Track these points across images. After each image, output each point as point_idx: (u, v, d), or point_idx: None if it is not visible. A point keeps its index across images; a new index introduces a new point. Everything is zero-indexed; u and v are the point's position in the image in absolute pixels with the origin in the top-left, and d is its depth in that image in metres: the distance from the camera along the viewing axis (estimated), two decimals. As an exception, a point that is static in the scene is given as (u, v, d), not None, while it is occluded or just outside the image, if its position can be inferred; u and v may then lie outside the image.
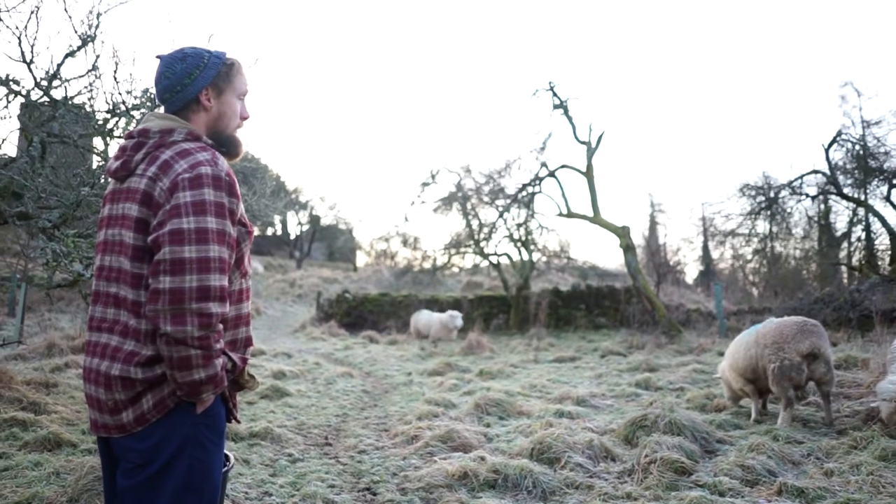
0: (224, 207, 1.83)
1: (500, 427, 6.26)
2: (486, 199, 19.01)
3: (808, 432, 5.71)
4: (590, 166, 16.67)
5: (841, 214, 19.63)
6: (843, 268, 18.59)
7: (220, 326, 1.83)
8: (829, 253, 19.19)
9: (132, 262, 1.84)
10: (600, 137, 16.83)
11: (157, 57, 2.07)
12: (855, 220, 18.49)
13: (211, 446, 1.93)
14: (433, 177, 20.32)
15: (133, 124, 6.93)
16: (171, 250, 1.73)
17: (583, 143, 16.96)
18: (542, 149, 17.51)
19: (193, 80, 1.99)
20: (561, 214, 17.10)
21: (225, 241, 1.82)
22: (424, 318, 14.71)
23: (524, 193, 17.62)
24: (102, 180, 6.23)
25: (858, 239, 18.86)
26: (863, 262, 16.81)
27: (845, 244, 19.24)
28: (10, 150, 12.01)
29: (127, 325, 1.85)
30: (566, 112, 17.17)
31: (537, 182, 17.44)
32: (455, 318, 13.55)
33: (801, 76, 69.75)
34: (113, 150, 7.69)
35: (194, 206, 1.77)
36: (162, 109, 2.07)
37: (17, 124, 7.61)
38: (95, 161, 7.46)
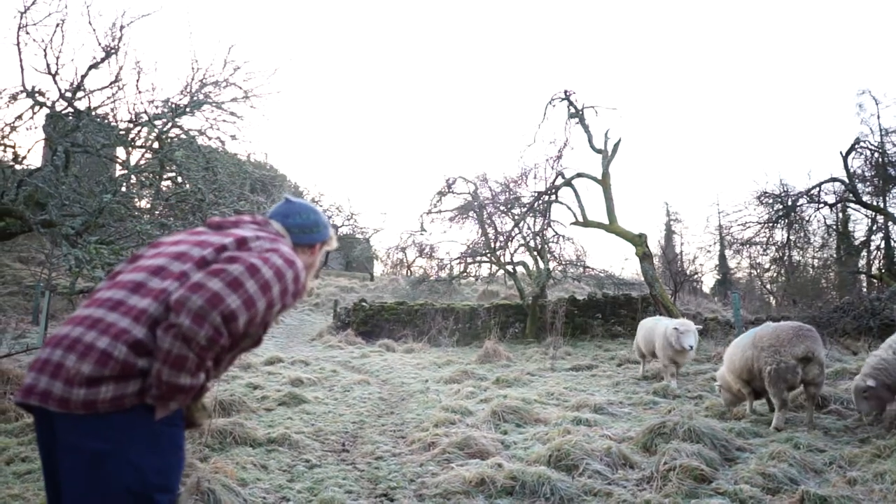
0: (287, 294, 2.05)
1: (518, 434, 6.24)
2: (501, 208, 19.00)
3: (829, 440, 5.65)
4: (605, 174, 16.63)
5: (860, 222, 19.44)
6: (863, 276, 18.37)
7: (217, 352, 1.87)
8: (848, 261, 18.98)
9: (194, 266, 1.96)
10: (616, 145, 16.80)
11: (287, 199, 2.41)
12: (874, 228, 18.30)
13: (172, 457, 1.92)
14: (449, 186, 20.34)
15: (154, 133, 7.04)
16: (241, 272, 1.89)
17: (598, 151, 16.93)
18: (559, 157, 17.51)
19: (318, 231, 2.37)
20: (577, 223, 17.05)
21: (269, 311, 1.99)
22: (647, 328, 10.10)
23: (540, 202, 17.60)
24: (124, 188, 6.34)
25: (878, 247, 18.66)
26: (882, 270, 16.61)
27: (864, 252, 19.03)
28: (36, 160, 12.21)
29: (133, 307, 1.88)
30: (582, 121, 17.16)
31: (553, 191, 17.42)
32: (684, 334, 8.63)
33: (819, 84, 69.23)
34: (134, 159, 7.83)
35: (277, 271, 2.00)
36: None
37: (43, 135, 7.76)
38: (118, 170, 7.60)
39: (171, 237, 2.18)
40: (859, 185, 15.81)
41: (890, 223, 16.50)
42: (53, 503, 1.95)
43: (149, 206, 8.11)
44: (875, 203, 16.10)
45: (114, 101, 7.54)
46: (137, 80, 7.13)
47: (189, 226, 6.21)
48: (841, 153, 15.41)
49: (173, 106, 7.24)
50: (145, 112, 7.09)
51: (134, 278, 1.98)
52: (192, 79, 7.72)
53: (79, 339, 1.83)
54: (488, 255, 19.63)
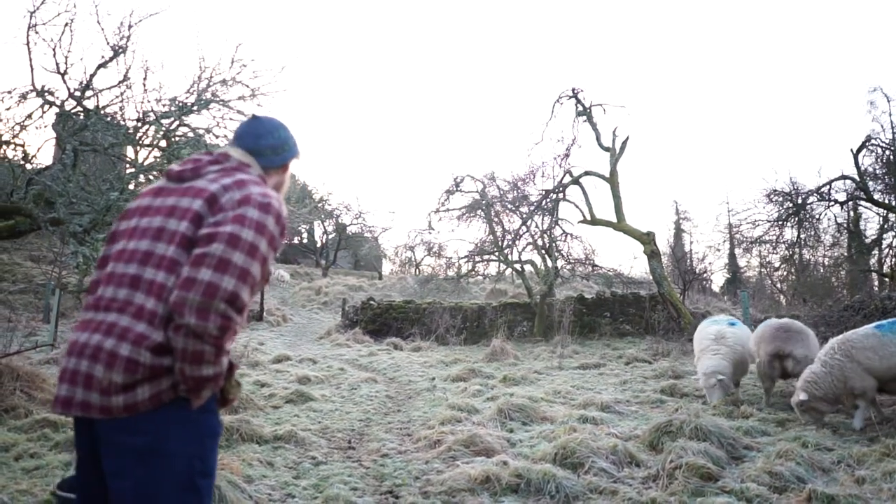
0: (275, 240, 1.96)
1: (524, 432, 6.23)
2: (509, 206, 18.96)
3: (838, 439, 5.61)
4: (613, 172, 16.57)
5: (871, 221, 19.28)
6: (874, 275, 18.23)
7: (234, 332, 1.88)
8: (859, 260, 18.83)
9: (178, 248, 1.89)
10: (624, 143, 16.73)
11: (254, 117, 2.27)
12: (886, 226, 18.15)
13: (209, 443, 1.97)
14: (457, 184, 20.32)
15: (161, 132, 7.08)
16: (223, 249, 1.82)
17: (606, 149, 16.87)
18: (567, 156, 17.45)
19: (290, 149, 2.27)
20: (584, 221, 17.00)
21: (265, 267, 1.94)
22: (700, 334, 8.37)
23: (548, 200, 17.55)
24: (132, 186, 6.38)
25: (889, 245, 18.50)
26: (894, 268, 16.47)
27: (876, 251, 18.88)
28: (47, 159, 12.31)
29: (142, 308, 1.85)
30: (590, 119, 17.10)
31: (561, 189, 17.38)
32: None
33: (830, 82, 68.73)
34: (142, 158, 7.87)
35: (257, 225, 1.89)
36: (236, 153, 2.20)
37: (52, 134, 7.82)
38: (127, 168, 7.64)
39: (139, 203, 2.06)
40: (870, 183, 15.66)
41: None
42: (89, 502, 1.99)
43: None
44: (886, 201, 15.96)
45: (122, 101, 7.58)
46: (144, 79, 7.17)
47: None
48: (852, 151, 15.29)
49: (180, 104, 7.27)
50: (152, 111, 7.12)
51: (127, 271, 1.92)
52: (200, 77, 7.75)
53: (100, 346, 1.83)
54: (496, 253, 19.61)
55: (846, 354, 5.99)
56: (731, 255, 27.42)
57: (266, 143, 2.20)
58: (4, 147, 7.27)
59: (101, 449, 1.87)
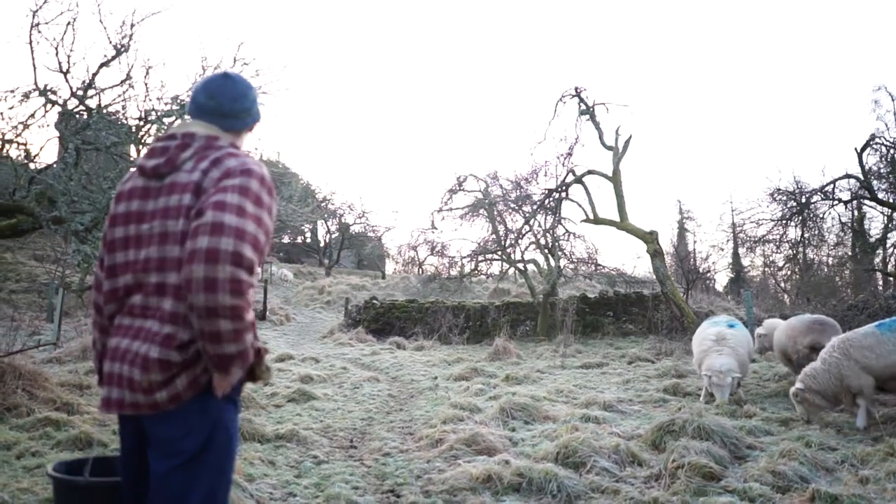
0: (261, 200, 1.94)
1: (526, 431, 6.22)
2: (512, 205, 18.94)
3: (841, 439, 5.59)
4: (616, 171, 16.53)
5: (875, 220, 19.20)
6: (878, 274, 18.16)
7: (251, 296, 1.88)
8: (863, 259, 18.75)
9: (181, 247, 1.89)
10: (627, 142, 16.69)
11: (226, 75, 2.20)
12: (890, 225, 18.07)
13: (232, 427, 2.05)
14: (460, 184, 20.31)
15: (164, 131, 7.08)
16: (212, 215, 1.81)
17: (609, 148, 16.83)
18: (569, 155, 17.41)
19: (258, 111, 2.23)
20: (587, 220, 16.97)
21: (261, 226, 1.91)
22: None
23: (550, 199, 17.52)
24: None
25: (894, 245, 18.43)
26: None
27: (880, 250, 18.80)
28: (50, 158, 12.31)
29: (165, 311, 1.91)
30: (593, 118, 17.06)
31: (564, 188, 17.34)
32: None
33: (834, 80, 68.57)
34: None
35: (241, 189, 1.88)
36: (189, 119, 2.19)
37: (55, 133, 7.83)
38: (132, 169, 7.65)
39: (128, 208, 2.05)
40: (874, 182, 15.59)
41: (906, 220, 16.34)
42: (133, 489, 2.10)
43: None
44: (891, 200, 15.88)
45: (124, 100, 7.59)
46: (145, 76, 7.18)
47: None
48: (856, 149, 15.21)
49: (182, 103, 7.27)
50: (154, 110, 7.12)
51: (150, 280, 1.96)
52: (202, 76, 7.75)
53: (134, 352, 1.92)
54: (499, 252, 19.58)
55: (844, 352, 6.03)
56: (735, 255, 27.35)
57: (241, 106, 2.16)
58: (7, 146, 7.29)
59: (150, 439, 1.98)
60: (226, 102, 2.13)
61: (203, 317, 1.79)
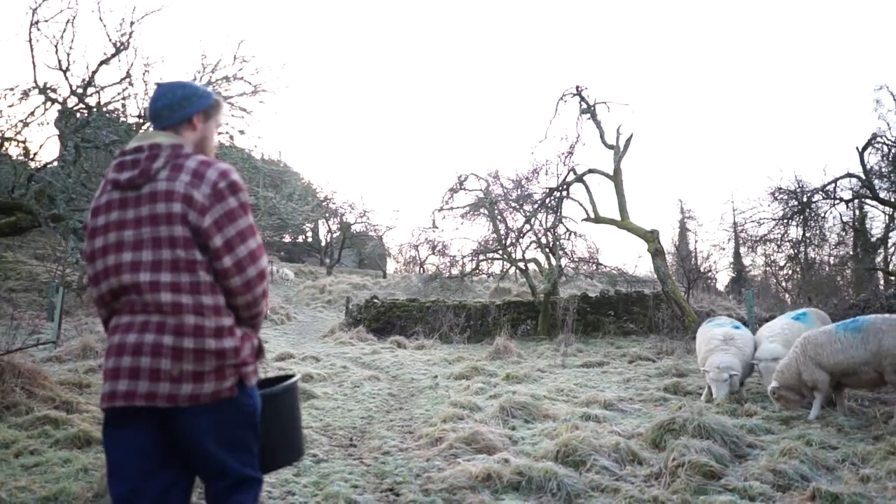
0: (248, 204, 2.28)
1: (526, 430, 6.20)
2: (513, 204, 18.89)
3: (842, 437, 5.57)
4: (617, 170, 16.49)
5: (877, 219, 19.13)
6: (880, 273, 18.12)
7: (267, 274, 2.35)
8: (864, 258, 18.70)
9: (186, 251, 2.12)
10: (628, 141, 16.65)
11: (157, 84, 2.41)
12: (892, 224, 18.02)
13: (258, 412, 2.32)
14: (461, 183, 20.26)
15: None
16: (246, 247, 2.20)
17: (610, 147, 16.79)
18: (570, 153, 17.38)
19: (191, 104, 2.33)
20: (588, 219, 16.93)
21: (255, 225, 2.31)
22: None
23: (551, 198, 17.49)
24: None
25: (895, 244, 18.36)
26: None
27: (881, 249, 18.74)
28: (51, 156, 12.33)
29: (185, 305, 2.09)
30: (594, 116, 17.02)
31: (565, 187, 17.31)
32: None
33: (835, 79, 68.50)
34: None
35: (242, 208, 2.21)
36: (150, 128, 2.40)
37: (55, 131, 7.82)
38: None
39: (107, 219, 2.20)
40: (876, 181, 15.55)
41: (908, 220, 16.30)
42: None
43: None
44: (892, 199, 15.83)
45: (124, 98, 7.58)
46: (144, 74, 7.17)
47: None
48: (857, 149, 15.16)
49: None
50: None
51: (143, 279, 2.12)
52: (203, 73, 7.74)
53: (158, 344, 2.06)
54: (500, 252, 19.54)
55: (803, 349, 6.42)
56: (737, 254, 27.27)
57: (162, 105, 2.32)
58: (7, 144, 7.27)
59: (183, 427, 2.11)
60: (158, 106, 2.32)
61: (261, 300, 2.27)
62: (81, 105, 7.62)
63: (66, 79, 7.58)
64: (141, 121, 7.34)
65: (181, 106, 2.31)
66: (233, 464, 2.17)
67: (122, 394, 2.05)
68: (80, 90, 7.59)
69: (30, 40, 7.38)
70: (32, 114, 7.50)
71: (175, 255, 2.10)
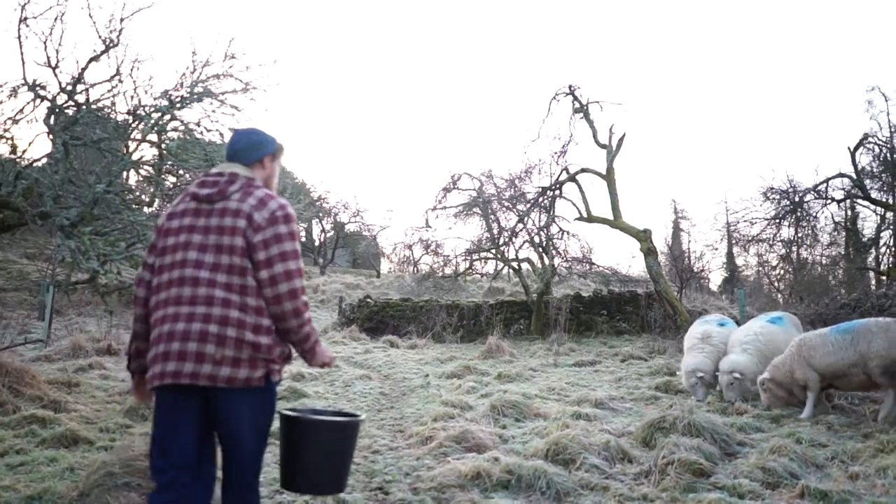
0: (297, 233, 2.66)
1: (516, 428, 6.19)
2: (506, 203, 18.88)
3: (832, 435, 5.58)
4: (610, 170, 16.50)
5: (868, 219, 19.24)
6: (871, 273, 18.19)
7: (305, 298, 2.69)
8: (856, 258, 18.79)
9: (241, 258, 2.51)
10: (621, 140, 16.65)
11: (233, 129, 2.67)
12: (883, 224, 18.10)
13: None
14: (454, 182, 20.22)
15: (152, 124, 7.02)
16: (284, 266, 2.54)
17: (603, 146, 16.80)
18: (563, 153, 17.37)
19: (263, 147, 2.81)
20: (581, 218, 16.94)
21: (299, 252, 2.65)
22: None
23: (544, 198, 17.48)
24: (125, 177, 6.31)
25: (886, 244, 18.45)
26: (891, 266, 16.45)
27: (873, 249, 18.83)
28: (39, 154, 12.25)
29: (233, 302, 2.46)
30: (587, 116, 17.03)
31: (558, 186, 17.31)
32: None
33: (827, 80, 68.82)
34: (134, 151, 7.80)
35: (290, 236, 2.59)
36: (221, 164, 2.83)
37: (44, 128, 7.76)
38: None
39: (181, 223, 2.59)
40: (867, 181, 15.63)
41: (899, 219, 16.37)
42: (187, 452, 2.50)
43: (148, 199, 8.09)
44: (883, 199, 15.91)
45: (113, 95, 7.52)
46: (131, 71, 7.12)
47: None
48: (849, 149, 15.24)
49: (171, 99, 7.21)
50: (142, 106, 7.06)
51: (201, 275, 2.49)
52: (193, 70, 7.69)
53: (204, 332, 2.42)
54: (493, 251, 19.53)
55: (798, 349, 6.58)
56: (730, 254, 27.36)
57: (241, 147, 2.78)
58: (-5, 141, 7.22)
59: (220, 408, 2.46)
60: (237, 147, 2.79)
61: (297, 328, 2.61)
62: (71, 102, 7.56)
63: (56, 76, 7.54)
64: (130, 118, 7.29)
65: (256, 149, 2.78)
66: (255, 445, 2.53)
67: (170, 373, 2.39)
68: (69, 87, 7.53)
69: (18, 37, 7.33)
70: (21, 111, 7.45)
71: (232, 261, 2.49)
